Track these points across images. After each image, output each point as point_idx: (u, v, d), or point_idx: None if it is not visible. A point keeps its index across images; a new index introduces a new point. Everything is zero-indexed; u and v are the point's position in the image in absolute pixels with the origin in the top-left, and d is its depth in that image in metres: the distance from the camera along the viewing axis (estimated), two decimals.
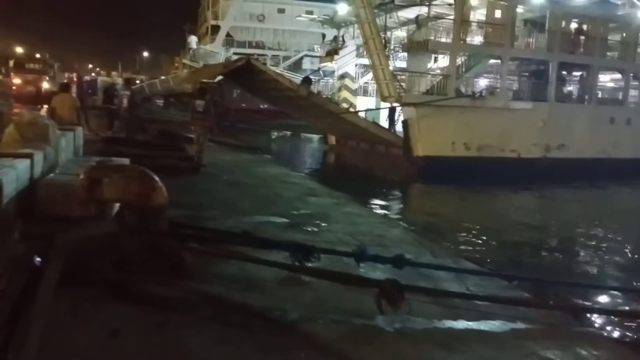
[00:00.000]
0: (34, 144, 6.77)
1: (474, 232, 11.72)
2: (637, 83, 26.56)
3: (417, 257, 5.44)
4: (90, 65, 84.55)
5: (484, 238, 11.30)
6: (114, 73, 54.58)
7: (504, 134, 21.98)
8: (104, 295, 4.16)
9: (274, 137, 33.44)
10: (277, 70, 35.21)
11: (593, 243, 11.88)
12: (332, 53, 30.36)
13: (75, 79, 25.17)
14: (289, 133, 34.90)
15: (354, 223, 7.61)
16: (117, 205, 5.76)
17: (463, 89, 23.75)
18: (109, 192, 4.83)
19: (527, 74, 26.13)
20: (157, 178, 4.99)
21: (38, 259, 4.31)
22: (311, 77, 25.05)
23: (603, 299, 7.57)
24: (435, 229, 11.54)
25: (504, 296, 4.92)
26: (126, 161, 7.48)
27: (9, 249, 4.50)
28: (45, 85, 24.33)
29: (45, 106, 14.78)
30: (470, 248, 10.34)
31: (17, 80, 27.81)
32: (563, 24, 24.23)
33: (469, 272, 5.48)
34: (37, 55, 33.30)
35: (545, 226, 13.84)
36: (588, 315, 6.23)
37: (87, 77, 39.55)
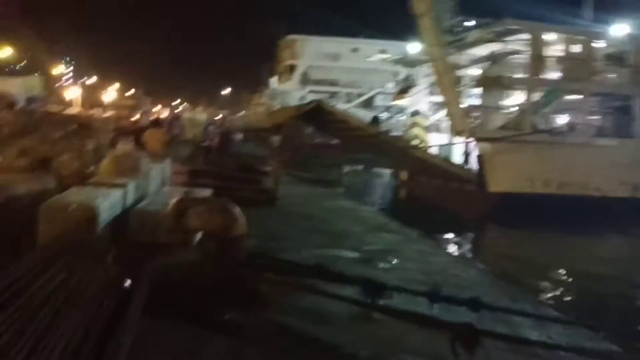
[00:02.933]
0: (127, 175, 7.37)
1: (554, 276, 11.09)
2: None
3: (494, 301, 5.25)
4: (179, 100, 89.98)
5: (566, 284, 10.66)
6: (199, 108, 57.91)
7: (587, 171, 20.90)
8: (184, 320, 4.37)
9: (345, 171, 33.72)
10: (348, 108, 35.97)
11: None
12: (404, 91, 30.58)
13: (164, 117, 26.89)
14: (360, 167, 35.07)
15: (427, 261, 7.50)
16: (199, 235, 6.12)
17: (540, 125, 23.02)
18: (194, 222, 5.13)
19: (610, 109, 24.87)
20: (238, 210, 5.25)
21: (128, 282, 4.62)
22: (382, 114, 25.25)
23: None
24: (512, 271, 11.01)
25: (590, 347, 4.62)
26: (208, 192, 7.93)
27: (104, 273, 4.88)
28: (138, 119, 26.34)
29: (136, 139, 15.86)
30: (550, 294, 9.78)
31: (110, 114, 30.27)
32: None
33: (550, 319, 5.21)
34: (132, 91, 36.20)
35: (633, 273, 12.80)
36: None
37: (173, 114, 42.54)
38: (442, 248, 10.78)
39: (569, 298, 9.73)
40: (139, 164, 7.57)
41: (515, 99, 24.62)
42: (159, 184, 8.89)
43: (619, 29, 23.34)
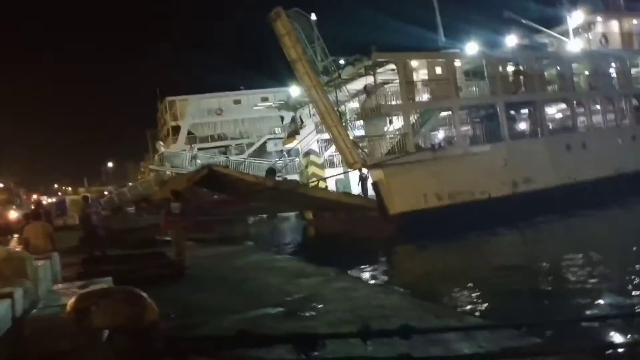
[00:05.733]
0: (11, 281, 6.57)
1: (466, 283, 11.60)
2: (582, 109, 28.14)
3: (421, 323, 5.35)
4: (56, 185, 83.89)
5: (478, 288, 11.17)
6: (81, 189, 54.26)
7: (471, 178, 22.58)
8: None
9: (251, 222, 33.27)
10: (241, 159, 35.87)
11: (584, 273, 11.85)
12: (293, 134, 31.27)
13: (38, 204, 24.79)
14: (264, 215, 34.86)
15: (350, 298, 7.50)
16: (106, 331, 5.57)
17: (422, 144, 24.66)
18: (99, 320, 4.65)
19: (478, 119, 27.41)
20: (145, 295, 4.87)
21: None
22: (277, 161, 25.44)
23: (614, 331, 7.31)
24: (429, 287, 11.39)
25: (519, 347, 4.83)
26: (109, 280, 7.32)
27: None
28: (14, 214, 23.96)
29: (16, 235, 14.43)
30: (468, 301, 10.21)
31: None
32: (500, 68, 25.89)
33: (476, 328, 5.40)
34: (0, 185, 32.99)
35: (533, 264, 13.85)
36: (609, 351, 6.05)
37: (53, 199, 39.32)
38: (361, 280, 10.89)
39: (484, 302, 10.21)
40: (24, 266, 6.80)
41: (395, 125, 26.20)
42: (50, 282, 8.05)
43: (472, 47, 26.11)
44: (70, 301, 4.93)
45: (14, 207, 26.50)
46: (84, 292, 5.23)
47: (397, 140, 23.46)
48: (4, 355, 5.30)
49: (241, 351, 5.07)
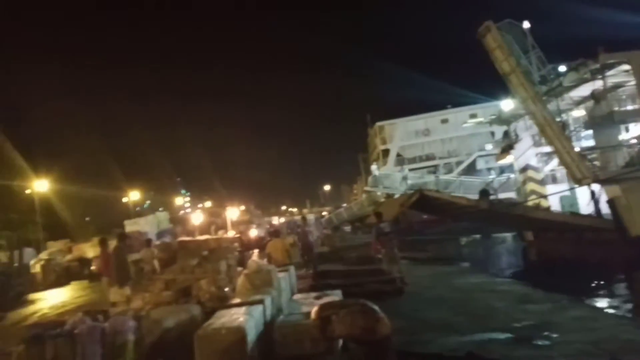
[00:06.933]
0: (262, 290, 7.64)
1: None
2: None
3: None
4: (284, 207, 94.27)
5: None
6: (304, 210, 60.12)
7: None
8: None
9: (463, 242, 32.24)
10: (452, 177, 35.38)
11: None
12: (507, 149, 29.64)
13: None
14: (478, 236, 33.43)
15: (590, 329, 6.70)
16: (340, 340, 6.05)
17: None
18: (339, 328, 5.11)
19: None
20: (378, 308, 5.16)
21: None
22: (490, 178, 24.34)
23: None
24: None
25: None
26: (339, 292, 7.95)
27: None
28: (254, 232, 27.90)
29: (256, 250, 16.65)
30: None
31: (232, 233, 32.38)
32: None
33: None
34: (243, 208, 38.87)
35: None
36: None
37: (282, 219, 44.70)
38: (601, 310, 9.61)
39: None
40: (271, 278, 7.85)
41: (633, 132, 22.81)
42: (289, 293, 9.09)
43: None
44: (314, 309, 5.53)
45: (254, 226, 30.84)
46: (325, 303, 5.82)
47: (637, 150, 20.34)
48: (261, 354, 6.18)
49: None
